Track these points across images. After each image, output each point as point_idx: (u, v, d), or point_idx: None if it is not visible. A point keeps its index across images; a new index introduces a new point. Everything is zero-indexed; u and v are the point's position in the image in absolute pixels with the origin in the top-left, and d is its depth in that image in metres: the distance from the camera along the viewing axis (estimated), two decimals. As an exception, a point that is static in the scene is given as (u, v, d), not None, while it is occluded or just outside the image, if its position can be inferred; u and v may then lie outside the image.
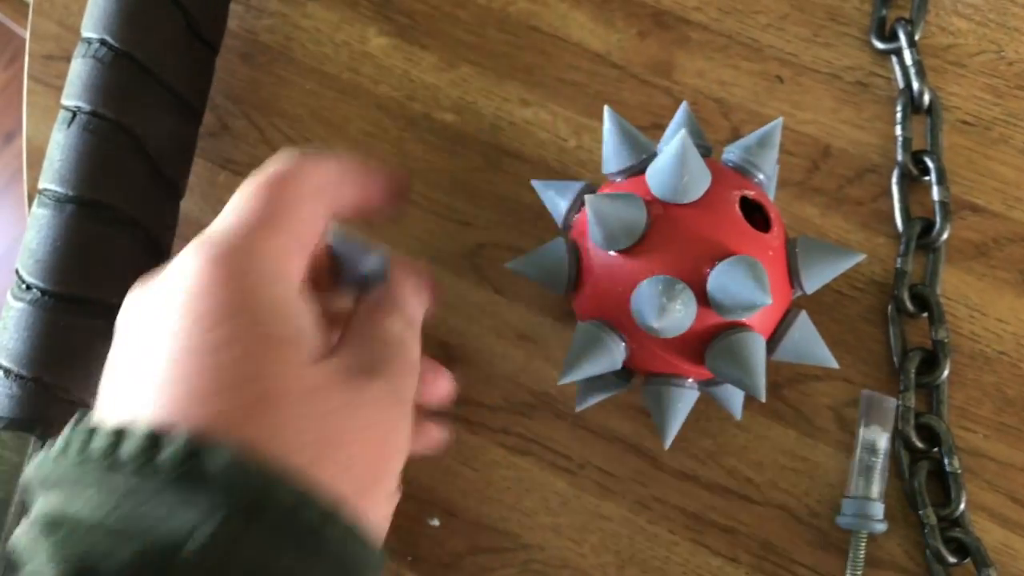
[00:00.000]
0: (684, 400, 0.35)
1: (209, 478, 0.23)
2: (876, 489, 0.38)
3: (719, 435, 0.40)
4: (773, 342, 0.35)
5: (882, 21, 0.42)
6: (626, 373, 0.36)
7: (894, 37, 0.42)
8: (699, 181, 0.32)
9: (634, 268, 0.32)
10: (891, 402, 0.38)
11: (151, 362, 0.26)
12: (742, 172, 0.35)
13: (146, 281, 0.30)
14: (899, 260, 0.40)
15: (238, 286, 0.27)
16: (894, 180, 0.41)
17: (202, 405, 0.25)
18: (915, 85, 0.41)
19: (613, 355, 0.33)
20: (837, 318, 0.40)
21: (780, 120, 0.36)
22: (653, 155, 0.35)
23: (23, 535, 0.24)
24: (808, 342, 0.35)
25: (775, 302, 0.33)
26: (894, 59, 0.42)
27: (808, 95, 0.42)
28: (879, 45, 0.42)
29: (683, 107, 0.37)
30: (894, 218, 0.41)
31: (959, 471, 0.38)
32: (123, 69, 0.39)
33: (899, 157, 0.41)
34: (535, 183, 0.38)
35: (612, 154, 0.36)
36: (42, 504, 0.25)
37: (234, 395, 0.25)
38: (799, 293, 0.35)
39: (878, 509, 0.37)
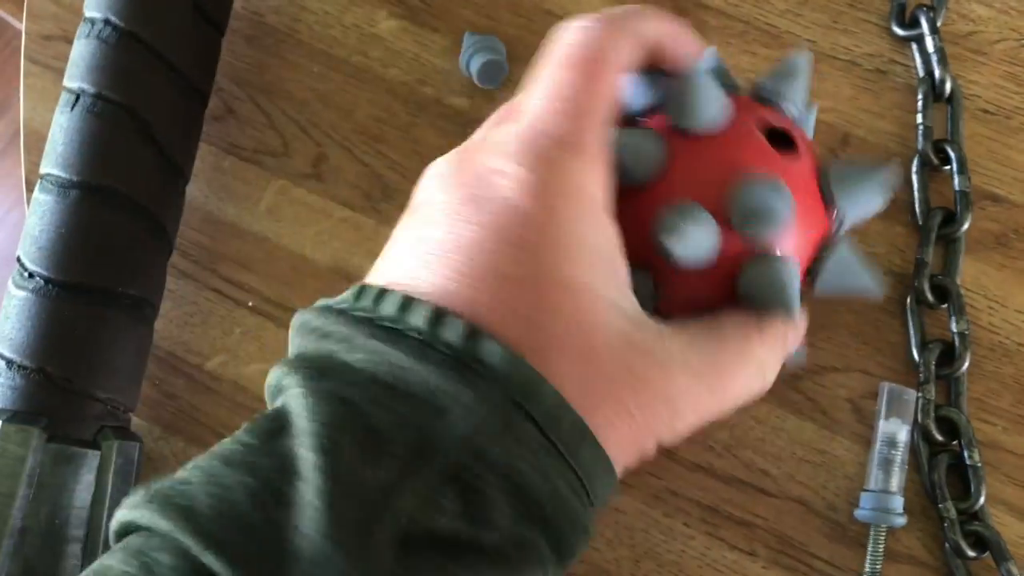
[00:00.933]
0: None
1: (485, 366, 0.24)
2: (895, 482, 0.37)
3: (736, 427, 0.39)
4: (813, 270, 0.32)
5: (902, 8, 0.42)
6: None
7: (915, 24, 0.41)
8: (716, 108, 0.30)
9: (655, 201, 0.30)
10: (911, 394, 0.38)
11: (445, 239, 0.26)
12: (771, 104, 0.33)
13: (442, 158, 0.29)
14: (919, 250, 0.39)
15: (546, 221, 0.26)
16: (914, 169, 0.40)
17: (489, 301, 0.25)
18: (936, 73, 0.40)
19: (640, 293, 0.30)
20: (855, 309, 0.40)
21: (807, 54, 0.33)
22: (666, 90, 0.33)
23: (284, 375, 0.25)
24: (848, 269, 0.33)
25: (807, 226, 0.31)
26: (914, 46, 0.41)
27: (827, 82, 0.42)
28: (899, 32, 0.41)
29: (709, 51, 0.34)
30: (913, 208, 0.40)
31: (979, 464, 0.37)
32: (128, 50, 0.38)
33: (919, 146, 0.40)
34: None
35: (632, 93, 0.32)
36: (314, 348, 0.26)
37: (522, 310, 0.25)
38: (839, 222, 0.33)
39: (898, 502, 0.37)
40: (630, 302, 0.27)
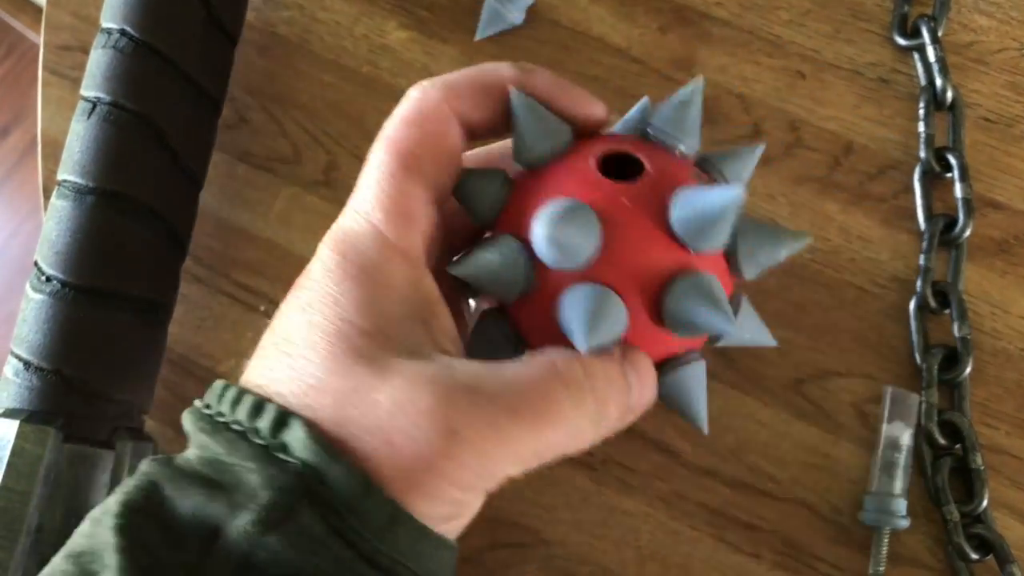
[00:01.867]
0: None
1: (288, 452, 0.24)
2: (899, 485, 0.38)
3: (741, 431, 0.40)
4: (660, 306, 0.29)
5: (904, 18, 0.42)
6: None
7: (916, 34, 0.42)
8: (543, 139, 0.29)
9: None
10: (914, 398, 0.38)
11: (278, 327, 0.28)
12: (659, 142, 0.31)
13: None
14: (922, 257, 0.40)
15: (366, 293, 0.27)
16: (916, 177, 0.41)
17: (303, 386, 0.26)
18: (938, 82, 0.41)
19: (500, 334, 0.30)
20: (859, 315, 0.40)
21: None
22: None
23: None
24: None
25: (633, 250, 0.28)
26: (916, 56, 0.42)
27: (830, 91, 0.42)
28: (901, 42, 0.42)
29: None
30: (916, 215, 0.41)
31: (982, 467, 0.38)
32: (144, 59, 0.39)
33: (922, 154, 0.41)
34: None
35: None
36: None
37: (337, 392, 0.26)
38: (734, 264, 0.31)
39: (901, 505, 0.37)
40: (448, 349, 0.27)
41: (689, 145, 0.30)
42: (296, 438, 0.24)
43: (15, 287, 1.44)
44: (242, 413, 0.25)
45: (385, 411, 0.25)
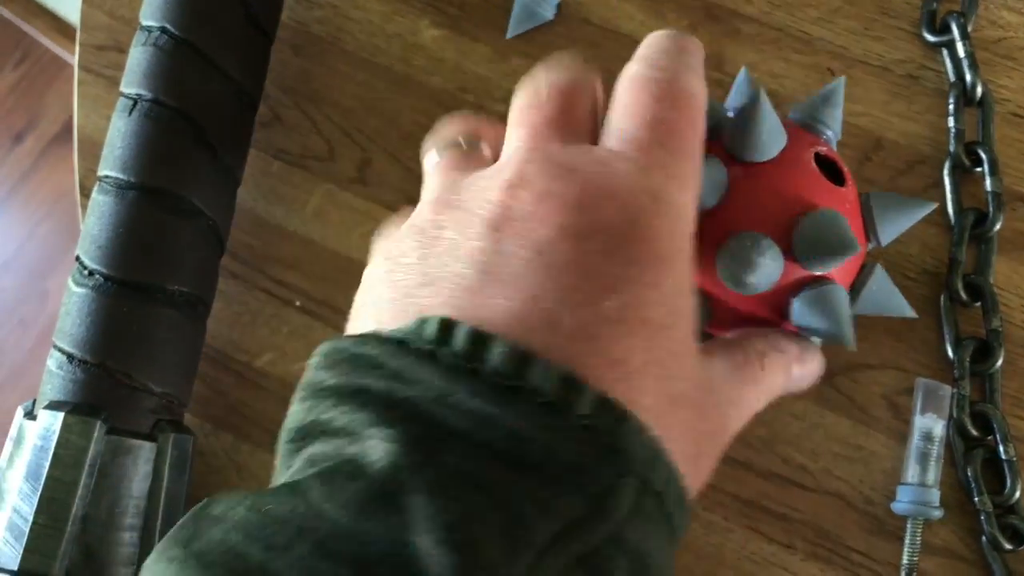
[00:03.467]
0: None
1: (618, 442, 0.21)
2: (932, 476, 0.38)
3: (773, 423, 0.40)
4: (852, 295, 0.34)
5: (932, 14, 0.43)
6: (705, 338, 0.35)
7: (945, 30, 0.42)
8: (776, 138, 0.32)
9: (717, 228, 0.31)
10: (946, 389, 0.39)
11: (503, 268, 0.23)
12: (810, 130, 0.35)
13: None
14: (953, 249, 0.40)
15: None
16: (946, 171, 0.41)
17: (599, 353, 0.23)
18: (968, 77, 0.41)
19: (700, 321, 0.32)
20: (890, 308, 0.41)
21: (843, 79, 0.35)
22: (721, 118, 0.34)
23: (342, 414, 0.22)
24: (886, 293, 0.34)
25: (853, 259, 0.33)
26: (945, 52, 0.42)
27: (859, 88, 0.43)
28: (930, 38, 0.42)
29: (743, 72, 0.36)
30: (946, 209, 0.41)
31: (1014, 458, 0.38)
32: (184, 57, 0.39)
33: (951, 148, 0.41)
34: None
35: None
36: (373, 384, 0.22)
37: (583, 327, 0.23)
38: (873, 245, 0.35)
39: (934, 496, 0.38)
40: (695, 337, 0.26)
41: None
42: (628, 431, 0.22)
43: (33, 289, 1.45)
44: (537, 379, 0.21)
45: (668, 386, 0.24)
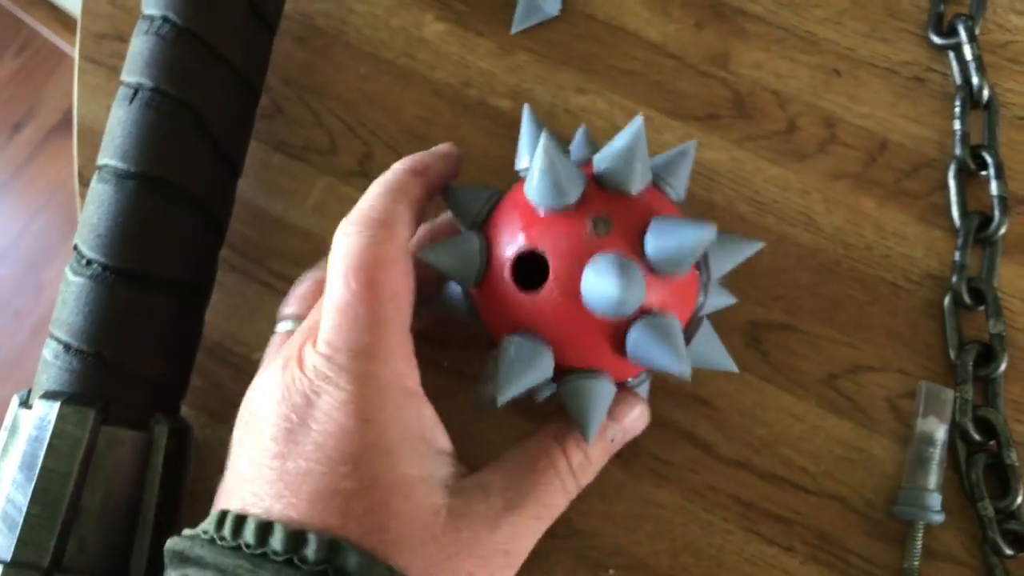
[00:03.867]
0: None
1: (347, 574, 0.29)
2: (933, 480, 0.38)
3: (775, 424, 0.40)
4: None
5: (940, 17, 0.42)
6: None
7: (952, 33, 0.42)
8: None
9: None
10: (948, 393, 0.39)
11: (286, 464, 0.30)
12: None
13: (266, 376, 0.33)
14: (957, 253, 0.40)
15: (367, 433, 0.30)
16: (951, 174, 0.41)
17: (335, 516, 0.30)
18: (974, 80, 0.41)
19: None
20: (893, 310, 0.40)
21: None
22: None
23: None
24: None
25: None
26: (951, 55, 0.42)
27: (865, 89, 0.43)
28: (937, 41, 0.42)
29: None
30: (950, 212, 0.41)
31: (1017, 464, 0.38)
32: (185, 46, 0.39)
33: (957, 151, 0.41)
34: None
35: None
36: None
37: (363, 517, 0.30)
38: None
39: (935, 500, 0.37)
40: (448, 470, 0.32)
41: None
42: (350, 560, 0.29)
43: (28, 280, 1.44)
44: (278, 543, 0.29)
45: (418, 524, 0.30)
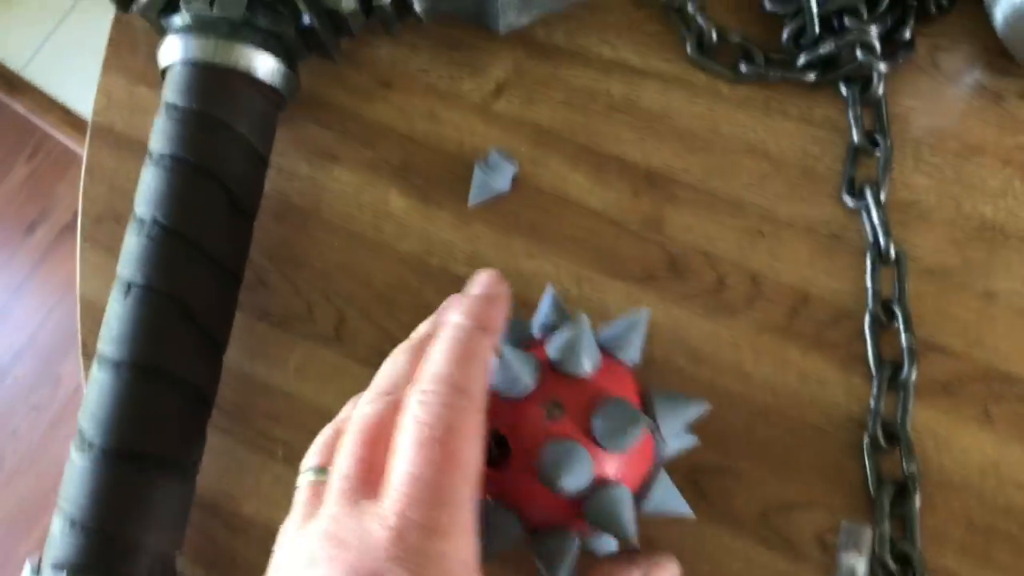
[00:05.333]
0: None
1: None
2: (857, 613, 0.42)
3: (713, 560, 0.44)
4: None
5: (852, 181, 0.47)
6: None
7: (862, 196, 0.46)
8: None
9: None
10: (867, 531, 0.42)
11: None
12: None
13: (306, 543, 0.31)
14: (872, 401, 0.44)
15: None
16: (866, 326, 0.45)
17: None
18: (882, 241, 0.45)
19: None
20: (819, 451, 0.45)
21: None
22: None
23: None
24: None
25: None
26: (863, 215, 0.47)
27: (787, 247, 0.47)
28: (849, 203, 0.47)
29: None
30: (867, 360, 0.45)
31: (931, 595, 0.42)
32: (173, 246, 0.44)
33: (869, 306, 0.45)
34: None
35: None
36: None
37: None
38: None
39: (859, 632, 0.41)
40: None
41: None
42: None
43: (46, 375, 1.49)
44: None
45: None
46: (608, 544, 0.41)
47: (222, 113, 0.45)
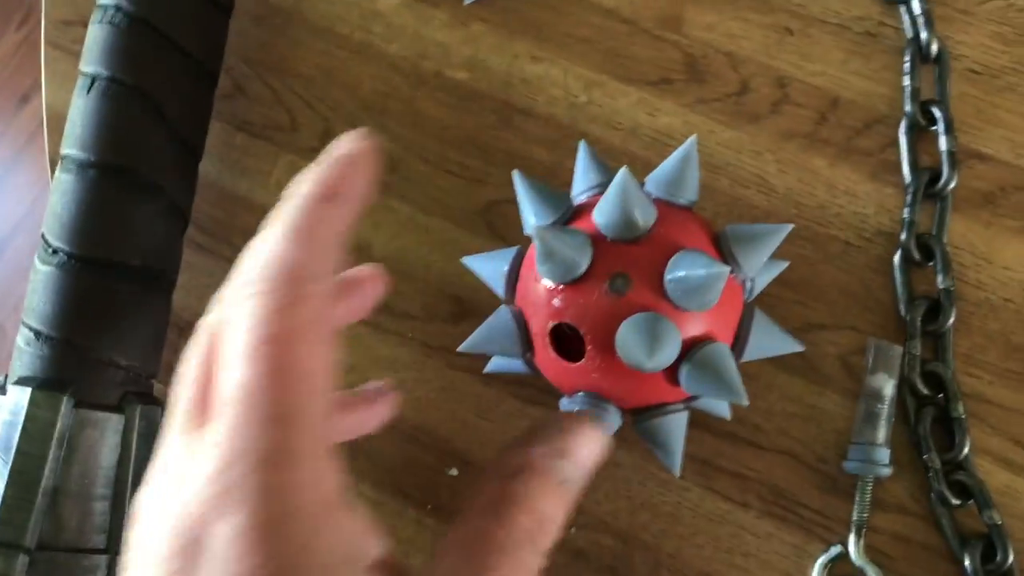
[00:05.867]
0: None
1: None
2: (882, 435, 0.39)
3: (729, 384, 0.41)
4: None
5: (891, -30, 0.42)
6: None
7: (902, -14, 0.42)
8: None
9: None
10: (897, 350, 0.39)
11: None
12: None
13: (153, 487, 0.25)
14: (906, 210, 0.40)
15: (278, 569, 0.22)
16: (902, 130, 0.41)
17: None
18: (923, 35, 0.41)
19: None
20: (844, 268, 0.41)
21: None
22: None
23: None
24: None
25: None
26: (902, 8, 0.42)
27: (817, 46, 0.43)
28: (887, -6, 0.42)
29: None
30: (902, 169, 0.41)
31: (963, 416, 0.39)
32: (139, 34, 0.40)
33: (907, 107, 0.41)
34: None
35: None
36: None
37: None
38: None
39: (884, 454, 0.38)
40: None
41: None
42: None
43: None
44: None
45: None
46: (719, 407, 0.38)
47: None
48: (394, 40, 0.45)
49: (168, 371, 0.42)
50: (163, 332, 0.41)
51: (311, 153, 0.44)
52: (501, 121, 0.44)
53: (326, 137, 0.45)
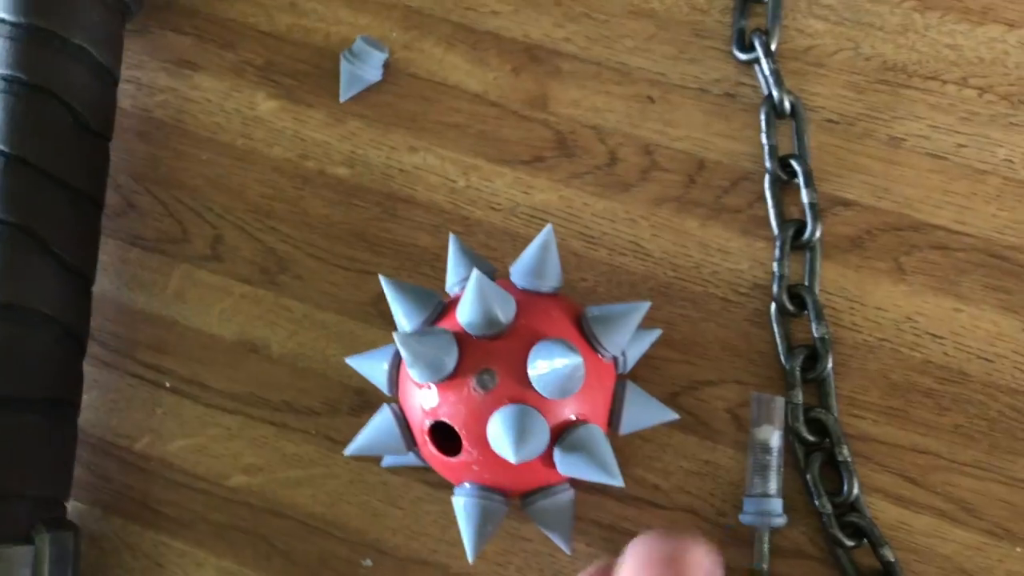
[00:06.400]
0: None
1: None
2: (773, 486, 0.40)
3: (625, 447, 0.42)
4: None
5: (741, 32, 0.44)
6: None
7: (754, 47, 0.43)
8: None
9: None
10: (778, 401, 0.40)
11: None
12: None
13: None
14: (775, 264, 0.42)
15: None
16: (766, 186, 0.42)
17: None
18: (775, 93, 0.42)
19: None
20: (724, 323, 0.42)
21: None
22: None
23: None
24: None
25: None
26: (757, 68, 0.44)
27: (679, 112, 0.44)
28: (741, 56, 0.44)
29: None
30: (770, 222, 0.43)
31: (849, 459, 0.40)
32: (17, 173, 0.41)
33: (768, 164, 0.42)
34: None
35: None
36: None
37: None
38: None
39: (776, 505, 0.39)
40: None
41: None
42: None
43: None
44: None
45: None
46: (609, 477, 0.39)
47: (55, 25, 0.42)
48: (275, 143, 0.46)
49: (85, 488, 0.43)
50: (71, 456, 0.42)
51: (203, 261, 0.46)
52: (385, 212, 0.45)
53: (217, 244, 0.46)
